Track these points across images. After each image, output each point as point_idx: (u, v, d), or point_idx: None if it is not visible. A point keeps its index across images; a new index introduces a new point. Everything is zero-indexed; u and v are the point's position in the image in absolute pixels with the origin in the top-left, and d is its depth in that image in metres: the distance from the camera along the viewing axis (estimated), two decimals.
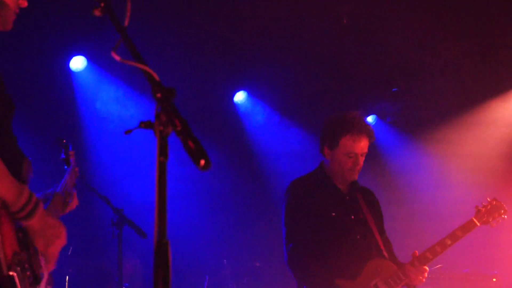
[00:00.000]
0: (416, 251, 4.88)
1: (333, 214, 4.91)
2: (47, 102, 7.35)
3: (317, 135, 5.26)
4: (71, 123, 7.58)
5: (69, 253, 6.37)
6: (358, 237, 4.90)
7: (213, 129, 8.39)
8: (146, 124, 2.07)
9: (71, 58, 7.37)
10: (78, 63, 7.40)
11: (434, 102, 8.82)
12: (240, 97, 8.79)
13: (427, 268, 4.88)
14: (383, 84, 8.61)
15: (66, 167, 3.94)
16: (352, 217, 4.98)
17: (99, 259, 7.05)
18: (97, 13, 2.35)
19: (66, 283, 6.42)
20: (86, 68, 7.46)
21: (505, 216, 5.25)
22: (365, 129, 4.95)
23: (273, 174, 8.96)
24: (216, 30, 7.32)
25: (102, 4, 2.32)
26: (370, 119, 9.26)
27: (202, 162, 1.90)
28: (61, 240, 2.89)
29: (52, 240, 2.82)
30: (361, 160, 4.98)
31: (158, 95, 2.05)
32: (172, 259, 1.94)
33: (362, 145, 4.94)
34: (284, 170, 8.65)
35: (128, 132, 2.14)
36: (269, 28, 7.33)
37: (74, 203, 3.57)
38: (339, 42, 7.63)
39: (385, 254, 4.95)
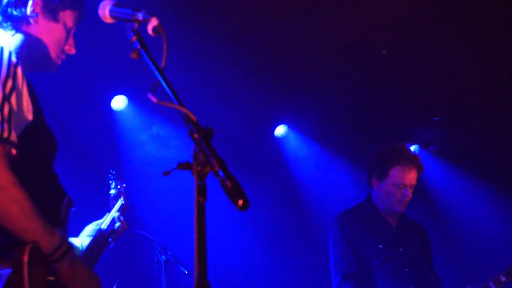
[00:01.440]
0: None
1: (380, 246, 4.85)
2: (89, 142, 7.42)
3: (359, 166, 5.25)
4: (112, 162, 7.65)
5: None
6: (407, 269, 4.84)
7: (254, 163, 8.39)
8: (184, 166, 2.07)
9: (112, 97, 7.45)
10: (119, 102, 7.47)
11: (476, 131, 8.70)
12: (280, 130, 8.78)
13: None
14: (425, 113, 8.54)
15: (116, 199, 3.96)
16: (400, 249, 4.91)
17: None
18: (134, 56, 2.37)
19: None
20: (127, 107, 7.52)
21: None
22: (415, 160, 4.96)
23: (317, 207, 8.90)
24: (253, 63, 7.35)
25: (139, 47, 2.35)
26: (412, 148, 9.17)
27: (240, 202, 1.89)
28: None
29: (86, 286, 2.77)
30: (410, 192, 4.95)
31: (195, 135, 2.06)
32: None
33: (412, 176, 4.93)
34: (328, 203, 8.58)
35: (166, 173, 2.15)
36: (309, 59, 7.33)
37: (120, 229, 3.64)
38: (379, 72, 7.60)
39: (434, 287, 4.86)
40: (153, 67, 2.28)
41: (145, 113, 7.68)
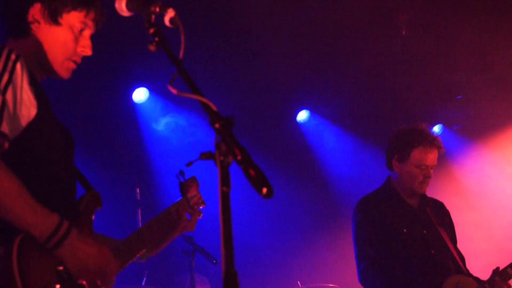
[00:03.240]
0: (499, 267, 4.73)
1: (405, 230, 4.82)
2: (112, 135, 7.46)
3: (383, 148, 5.21)
4: (135, 154, 7.69)
5: (143, 284, 6.43)
6: (433, 252, 4.79)
7: (276, 150, 8.38)
8: (206, 155, 2.07)
9: (133, 90, 7.47)
10: (140, 94, 7.50)
11: (501, 107, 8.63)
12: (302, 116, 8.76)
13: (511, 285, 4.73)
14: (447, 92, 8.48)
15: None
16: (425, 231, 4.87)
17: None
18: (152, 48, 2.37)
19: None
20: (149, 99, 7.54)
21: None
22: (435, 140, 4.92)
23: (341, 192, 8.88)
24: (274, 52, 7.33)
25: (156, 39, 2.34)
26: (436, 128, 9.12)
27: (264, 190, 1.89)
28: (103, 269, 2.72)
29: (90, 268, 2.67)
30: (431, 172, 4.91)
31: (217, 125, 2.05)
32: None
33: (433, 156, 4.90)
34: (353, 188, 8.56)
35: (189, 164, 2.15)
36: (328, 43, 7.30)
37: (190, 225, 3.59)
38: (399, 53, 7.56)
39: (463, 269, 4.82)
40: (171, 58, 2.28)
41: (166, 105, 7.70)
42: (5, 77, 2.58)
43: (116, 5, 2.55)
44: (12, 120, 2.57)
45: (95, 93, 7.09)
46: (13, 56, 2.63)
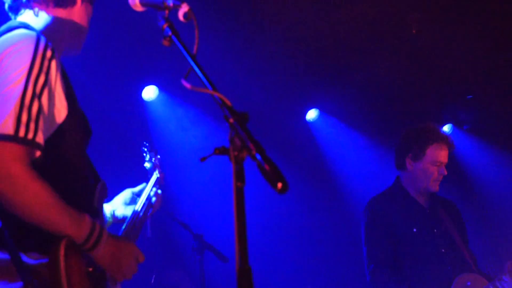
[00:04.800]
0: (509, 265, 4.72)
1: (415, 229, 4.82)
2: (121, 132, 7.45)
3: (393, 148, 5.20)
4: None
5: (152, 281, 6.43)
6: (443, 250, 4.79)
7: (285, 148, 8.37)
8: (220, 150, 2.06)
9: (143, 88, 7.47)
10: (150, 92, 7.49)
11: (511, 107, 8.59)
12: (312, 115, 8.74)
13: None
14: (457, 92, 8.45)
15: (151, 172, 3.92)
16: (435, 231, 4.87)
17: (182, 286, 7.09)
18: (165, 43, 2.36)
19: None
20: (158, 97, 7.53)
21: None
22: (447, 138, 4.97)
23: (350, 192, 8.86)
24: (283, 51, 7.32)
25: (170, 34, 2.34)
26: (446, 128, 9.09)
27: (280, 185, 1.88)
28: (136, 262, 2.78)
29: (128, 265, 2.72)
30: (445, 169, 4.96)
31: (231, 120, 2.05)
32: (255, 286, 1.91)
33: (446, 153, 4.97)
34: (362, 187, 8.54)
35: (203, 159, 2.14)
36: (339, 42, 7.28)
37: (157, 203, 3.62)
38: (410, 52, 7.53)
39: (473, 267, 4.81)
40: (185, 54, 2.27)
41: (176, 103, 7.69)
42: (42, 79, 2.49)
43: (130, 0, 2.55)
44: (46, 126, 2.51)
45: (104, 90, 7.09)
46: (48, 53, 2.54)
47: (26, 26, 2.67)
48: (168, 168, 7.78)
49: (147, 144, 4.11)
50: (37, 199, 2.40)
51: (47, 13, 2.80)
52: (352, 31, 7.06)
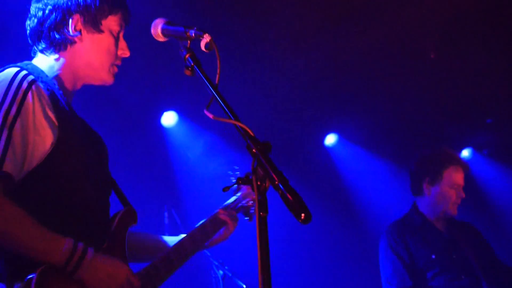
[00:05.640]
0: None
1: (433, 256, 4.78)
2: (141, 158, 7.46)
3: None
4: (165, 179, 7.68)
5: None
6: (463, 277, 4.74)
7: (303, 173, 8.35)
8: (243, 181, 2.07)
9: (162, 114, 7.48)
10: (169, 118, 7.50)
11: None
12: (331, 140, 8.73)
13: None
14: (477, 116, 8.42)
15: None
16: (454, 256, 4.82)
17: None
18: (187, 73, 2.39)
19: None
20: (177, 123, 7.54)
21: None
22: (462, 161, 4.97)
23: (366, 215, 8.82)
24: (301, 75, 7.34)
25: (193, 64, 2.36)
26: (466, 152, 9.05)
27: (303, 215, 1.88)
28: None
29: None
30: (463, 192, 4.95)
31: (254, 150, 2.06)
32: None
33: (463, 176, 4.95)
34: (379, 212, 8.50)
35: (226, 189, 2.15)
36: (357, 67, 7.29)
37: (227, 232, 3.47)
38: (428, 76, 7.52)
39: None
40: (208, 84, 2.29)
41: (195, 129, 7.69)
42: (13, 111, 2.54)
43: (152, 30, 2.58)
44: (20, 157, 2.53)
45: (124, 116, 7.12)
46: (24, 85, 2.60)
47: (16, 64, 2.75)
48: (187, 195, 7.80)
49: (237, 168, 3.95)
50: (11, 223, 2.44)
51: (52, 57, 2.87)
52: (371, 57, 7.07)
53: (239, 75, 6.92)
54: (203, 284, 6.55)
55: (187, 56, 2.39)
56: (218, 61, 2.32)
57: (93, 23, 2.85)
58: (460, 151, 8.86)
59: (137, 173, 7.29)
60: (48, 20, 2.83)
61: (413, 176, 5.11)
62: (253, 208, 3.54)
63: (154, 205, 6.97)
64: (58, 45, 2.83)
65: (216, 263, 5.60)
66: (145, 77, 6.72)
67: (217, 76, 2.31)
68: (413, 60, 7.24)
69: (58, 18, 2.82)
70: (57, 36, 2.82)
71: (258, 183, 2.02)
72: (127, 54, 2.98)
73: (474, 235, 5.11)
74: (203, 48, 2.38)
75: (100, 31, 2.87)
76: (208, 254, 5.63)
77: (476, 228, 5.20)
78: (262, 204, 2.00)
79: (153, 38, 2.62)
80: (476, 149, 9.12)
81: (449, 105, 8.08)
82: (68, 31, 2.82)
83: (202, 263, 6.25)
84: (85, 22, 2.84)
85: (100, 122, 6.59)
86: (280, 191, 1.94)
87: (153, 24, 2.58)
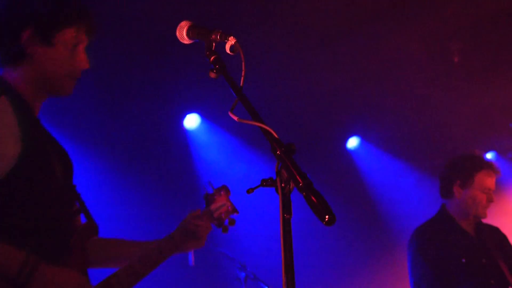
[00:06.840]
0: None
1: (463, 260, 4.74)
2: (163, 161, 7.49)
3: (436, 177, 5.16)
4: (189, 181, 7.70)
5: None
6: (493, 282, 4.70)
7: (326, 176, 8.33)
8: (267, 182, 2.08)
9: (185, 116, 7.51)
10: (192, 121, 7.52)
11: None
12: (353, 143, 8.72)
13: None
14: (501, 119, 8.37)
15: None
16: (484, 260, 4.79)
17: None
18: (212, 75, 2.39)
19: None
20: (200, 125, 7.56)
21: None
22: (494, 165, 4.96)
23: (389, 218, 8.78)
24: (324, 80, 7.34)
25: (217, 66, 2.37)
26: (489, 155, 8.99)
27: (327, 217, 1.89)
28: None
29: None
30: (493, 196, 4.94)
31: (278, 152, 2.06)
32: None
33: (494, 180, 4.93)
34: (401, 214, 8.47)
35: (250, 191, 2.15)
36: (379, 71, 7.28)
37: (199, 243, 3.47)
38: (451, 81, 7.50)
39: None
40: (232, 86, 2.30)
41: (218, 131, 7.71)
42: None
43: (177, 33, 2.58)
44: None
45: (146, 118, 7.15)
46: None
47: None
48: None
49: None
50: None
51: (13, 69, 2.85)
52: (394, 61, 7.06)
53: (262, 77, 6.93)
54: (225, 286, 6.57)
55: (212, 58, 2.40)
56: (243, 64, 2.33)
57: (45, 37, 2.81)
58: (484, 154, 8.80)
59: (160, 176, 7.33)
60: (2, 33, 2.82)
61: (443, 178, 5.07)
62: (227, 220, 3.67)
63: (176, 209, 7.00)
64: (13, 58, 2.82)
65: (239, 265, 5.61)
66: (168, 78, 6.75)
67: (242, 78, 2.32)
68: (437, 63, 7.22)
69: (11, 31, 2.80)
70: (11, 49, 2.81)
71: (283, 185, 2.03)
72: (85, 66, 2.92)
73: (501, 239, 5.08)
74: (228, 50, 2.39)
75: (52, 45, 2.82)
76: (230, 256, 5.64)
77: (502, 233, 5.16)
78: (286, 206, 2.01)
79: (177, 40, 2.63)
80: (499, 153, 9.07)
81: (472, 109, 8.04)
82: (20, 44, 2.80)
83: (224, 265, 6.27)
84: (37, 35, 2.80)
85: (122, 125, 6.71)
86: (304, 193, 1.95)
87: (178, 27, 2.59)
